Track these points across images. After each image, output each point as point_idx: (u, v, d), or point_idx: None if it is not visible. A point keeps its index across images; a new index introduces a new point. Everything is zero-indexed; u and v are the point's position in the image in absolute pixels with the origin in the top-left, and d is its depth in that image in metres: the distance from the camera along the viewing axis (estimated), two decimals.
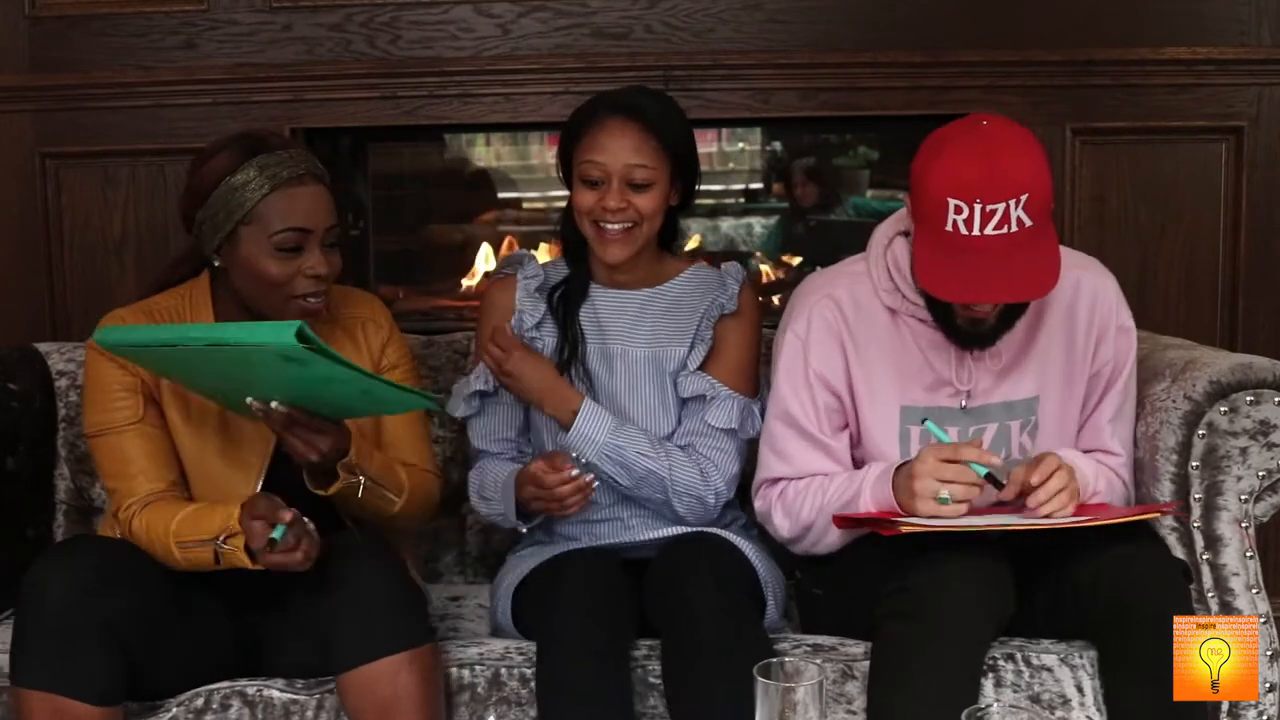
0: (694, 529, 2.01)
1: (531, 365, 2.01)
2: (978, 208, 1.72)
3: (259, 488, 1.87)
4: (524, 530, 2.03)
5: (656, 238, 2.06)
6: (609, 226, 1.97)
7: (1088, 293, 1.95)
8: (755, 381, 2.10)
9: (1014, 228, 1.73)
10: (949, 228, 1.74)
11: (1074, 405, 1.98)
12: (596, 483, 1.93)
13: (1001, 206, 1.72)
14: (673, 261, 2.13)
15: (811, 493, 1.93)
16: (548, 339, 2.07)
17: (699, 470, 2.02)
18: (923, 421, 1.87)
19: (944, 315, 1.86)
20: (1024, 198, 1.72)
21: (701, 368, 2.05)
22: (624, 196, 1.96)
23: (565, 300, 2.08)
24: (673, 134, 1.99)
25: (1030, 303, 1.88)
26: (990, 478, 1.80)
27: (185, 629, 1.82)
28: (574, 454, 1.99)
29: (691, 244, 3.37)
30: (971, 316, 1.84)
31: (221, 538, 1.74)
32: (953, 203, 1.73)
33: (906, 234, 1.94)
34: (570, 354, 2.05)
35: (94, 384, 1.89)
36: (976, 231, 1.73)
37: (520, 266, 2.12)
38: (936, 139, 1.80)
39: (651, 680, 1.87)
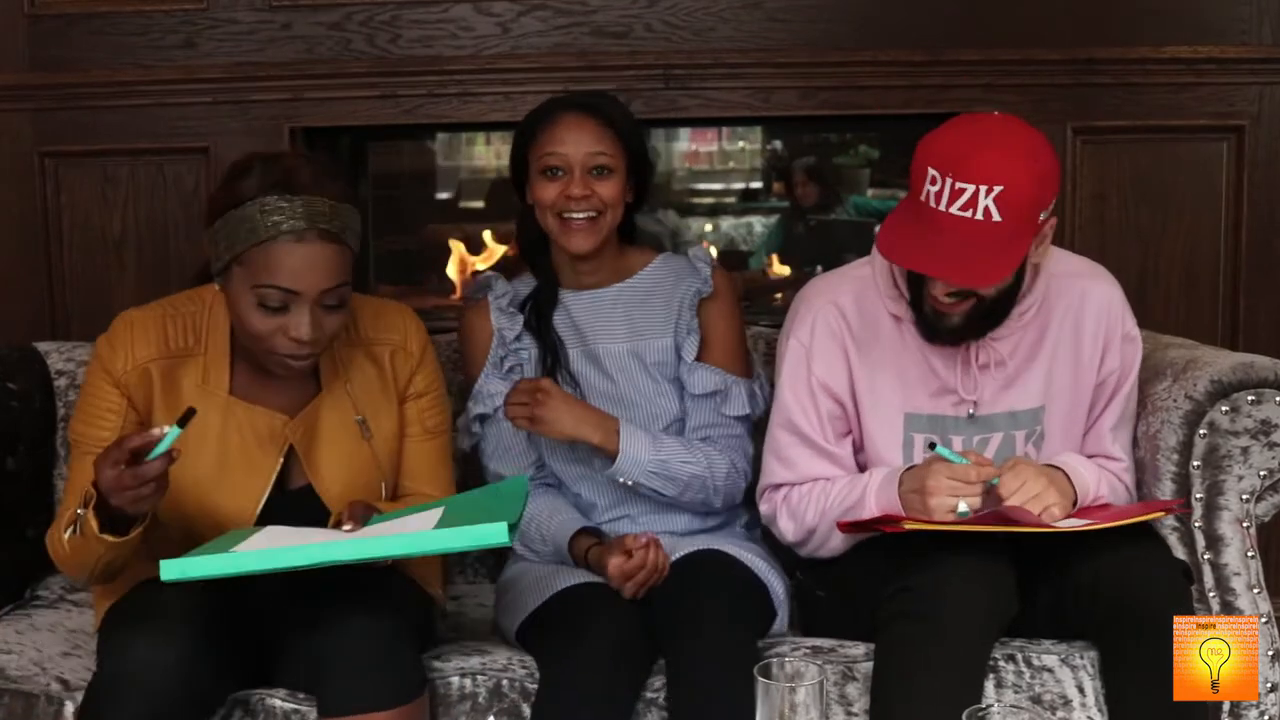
0: (707, 548, 1.99)
1: (560, 402, 1.97)
2: (949, 182, 1.72)
3: (256, 519, 1.80)
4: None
5: (616, 233, 2.08)
6: (574, 216, 1.99)
7: (1094, 302, 1.95)
8: (749, 358, 2.13)
9: (979, 215, 1.72)
10: (923, 197, 1.75)
11: (1080, 414, 1.97)
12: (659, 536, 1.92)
13: (970, 189, 1.71)
14: (636, 254, 2.14)
15: (814, 497, 1.93)
16: (528, 351, 2.08)
17: (729, 462, 2.04)
18: (930, 447, 1.86)
19: (918, 302, 1.87)
20: (996, 189, 1.71)
21: (697, 357, 2.06)
22: (587, 184, 1.98)
23: (538, 310, 2.09)
24: (627, 129, 2.03)
25: (1003, 317, 1.87)
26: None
27: (228, 656, 1.77)
28: (621, 479, 1.98)
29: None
30: (935, 305, 1.84)
31: (80, 506, 1.65)
32: (930, 171, 1.74)
33: None
34: (553, 362, 2.06)
35: (86, 392, 1.84)
36: (943, 207, 1.73)
37: (489, 289, 2.12)
38: (951, 119, 1.82)
39: (648, 695, 1.86)
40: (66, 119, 2.72)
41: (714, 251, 3.40)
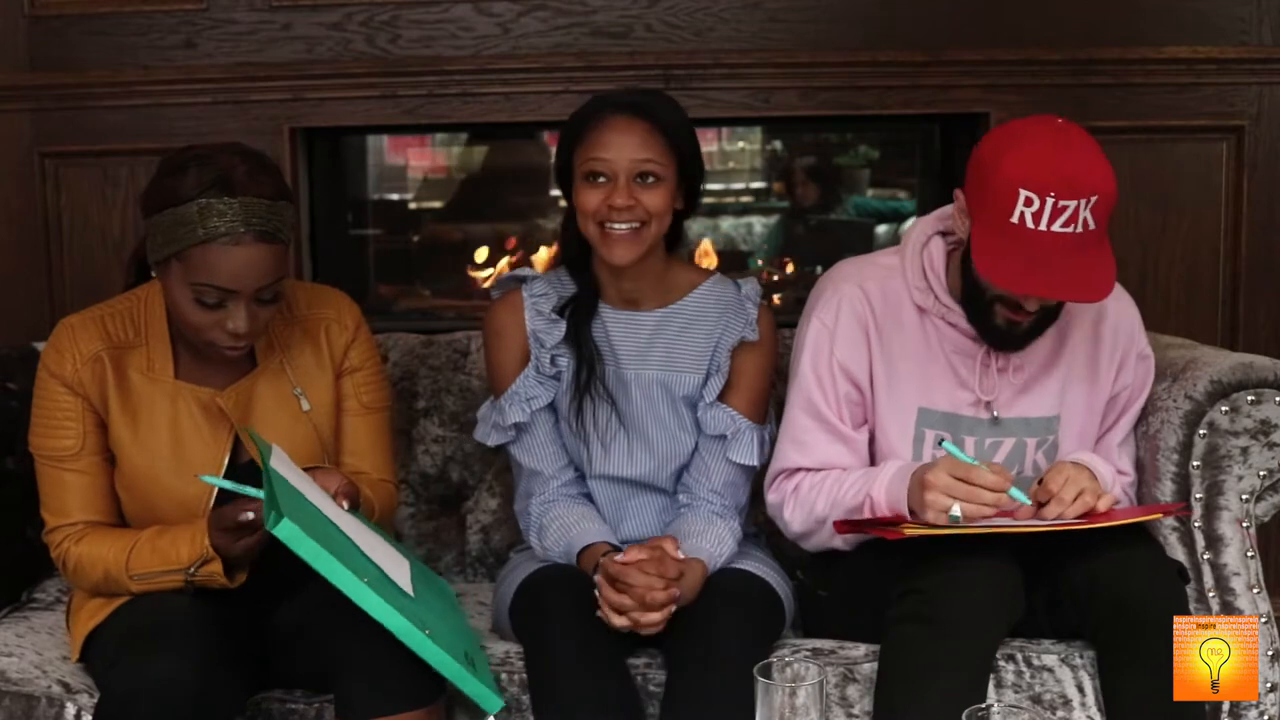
0: (720, 567, 1.96)
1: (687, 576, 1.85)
2: (1050, 202, 1.71)
3: (213, 502, 1.82)
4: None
5: (663, 245, 2.00)
6: (615, 227, 1.89)
7: (1112, 317, 1.96)
8: (768, 406, 2.06)
9: (1079, 228, 1.72)
10: (1014, 219, 1.72)
11: (1093, 428, 1.98)
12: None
13: (1073, 205, 1.71)
14: (683, 271, 2.06)
15: (827, 487, 1.91)
16: (565, 359, 2.00)
17: (730, 534, 1.98)
18: (939, 443, 1.85)
19: (982, 312, 1.84)
20: (1094, 199, 1.72)
21: (718, 397, 2.00)
22: (631, 194, 1.88)
23: (575, 318, 2.01)
24: (678, 133, 1.93)
25: (1060, 314, 1.87)
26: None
27: (242, 665, 1.79)
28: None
29: (707, 260, 3.35)
30: (1010, 317, 1.83)
31: (193, 567, 1.74)
32: (1024, 194, 1.71)
33: (944, 234, 1.92)
34: (588, 374, 1.99)
35: (39, 404, 1.87)
36: (1044, 227, 1.72)
37: (524, 284, 2.05)
38: (1011, 131, 1.79)
39: (652, 689, 1.86)
40: (66, 119, 2.72)
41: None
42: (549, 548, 1.98)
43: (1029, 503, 1.79)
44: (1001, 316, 1.83)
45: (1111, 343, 1.95)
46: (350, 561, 1.63)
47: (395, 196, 3.56)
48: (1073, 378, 1.94)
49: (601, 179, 1.90)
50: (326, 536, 1.63)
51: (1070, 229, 1.72)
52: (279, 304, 1.82)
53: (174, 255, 1.74)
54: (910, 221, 3.18)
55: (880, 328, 1.92)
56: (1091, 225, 1.73)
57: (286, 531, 1.56)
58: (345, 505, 1.77)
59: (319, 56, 2.70)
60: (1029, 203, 1.71)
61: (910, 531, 1.74)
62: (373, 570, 1.67)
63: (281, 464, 1.72)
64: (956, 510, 1.74)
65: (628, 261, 1.92)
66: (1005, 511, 1.80)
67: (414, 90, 2.70)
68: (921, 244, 1.93)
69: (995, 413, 1.92)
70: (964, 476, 1.75)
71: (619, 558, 1.81)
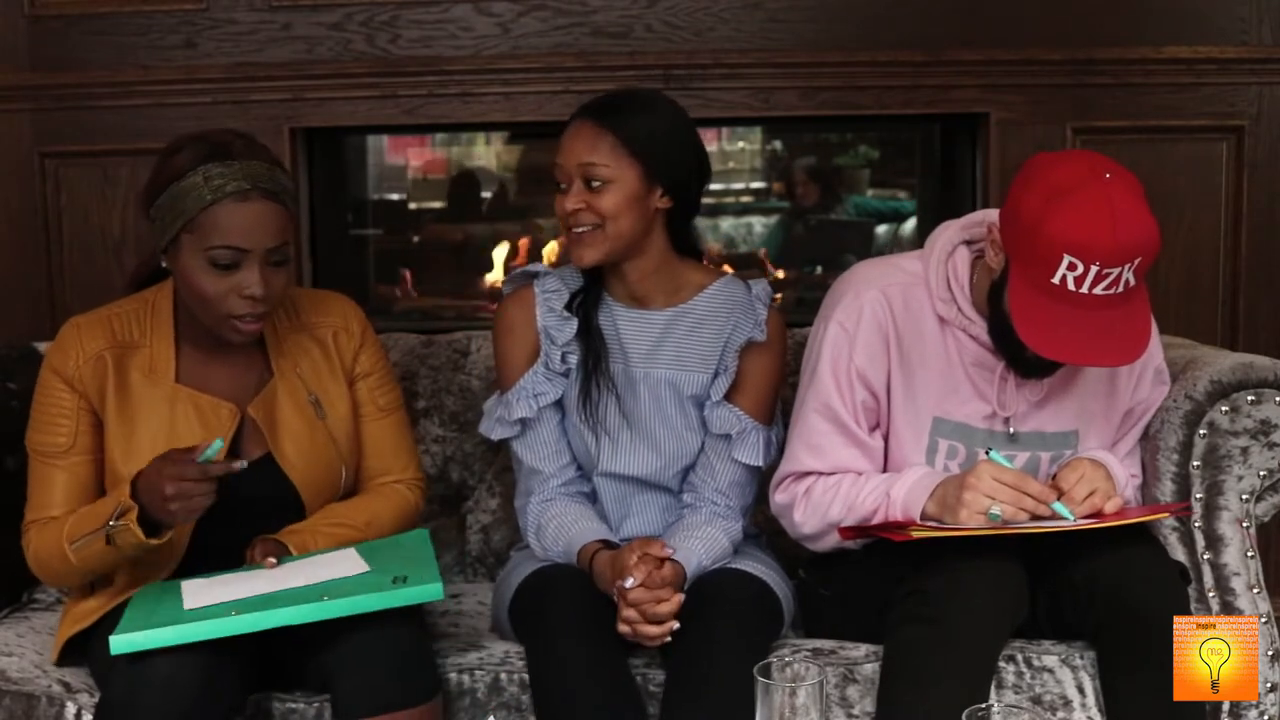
0: (721, 566, 1.96)
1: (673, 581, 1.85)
2: (1094, 269, 1.69)
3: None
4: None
5: (669, 246, 1.99)
6: (575, 230, 1.93)
7: None
8: (776, 407, 2.06)
9: (1121, 289, 1.71)
10: (1055, 280, 1.70)
11: (1109, 440, 1.97)
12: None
13: (1116, 270, 1.70)
14: (694, 271, 2.05)
15: (843, 491, 1.89)
16: (575, 356, 2.01)
17: (726, 536, 1.97)
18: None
19: (1012, 347, 1.82)
20: (1138, 261, 1.70)
21: (725, 397, 1.99)
22: (581, 197, 1.90)
23: (583, 309, 2.01)
24: (639, 132, 1.91)
25: None
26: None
27: (243, 664, 1.78)
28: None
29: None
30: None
31: (112, 518, 1.73)
32: (1068, 259, 1.69)
33: (969, 243, 1.91)
34: (594, 364, 1.99)
35: (38, 400, 1.89)
36: (1085, 290, 1.70)
37: (536, 279, 2.05)
38: (1056, 182, 1.73)
39: (652, 689, 1.86)
40: (66, 119, 2.72)
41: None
42: (548, 547, 1.99)
43: (1073, 518, 1.78)
44: (1032, 353, 1.80)
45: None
46: (212, 610, 1.68)
47: (395, 196, 3.56)
48: (1090, 393, 1.93)
49: (562, 184, 1.94)
50: (174, 614, 1.68)
51: (1112, 291, 1.71)
52: (288, 271, 1.83)
53: (183, 228, 1.76)
54: (913, 222, 3.20)
55: (901, 336, 1.90)
56: (1133, 283, 1.72)
57: (120, 645, 1.63)
58: (271, 562, 1.79)
59: (319, 56, 2.70)
60: (1072, 267, 1.69)
61: (917, 534, 1.74)
62: (256, 599, 1.71)
63: (190, 594, 1.75)
64: (996, 509, 1.74)
65: (591, 263, 1.95)
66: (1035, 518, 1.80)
67: (414, 90, 2.71)
68: (947, 253, 1.90)
69: (1012, 428, 1.92)
70: (1012, 483, 1.76)
71: (627, 584, 1.79)
